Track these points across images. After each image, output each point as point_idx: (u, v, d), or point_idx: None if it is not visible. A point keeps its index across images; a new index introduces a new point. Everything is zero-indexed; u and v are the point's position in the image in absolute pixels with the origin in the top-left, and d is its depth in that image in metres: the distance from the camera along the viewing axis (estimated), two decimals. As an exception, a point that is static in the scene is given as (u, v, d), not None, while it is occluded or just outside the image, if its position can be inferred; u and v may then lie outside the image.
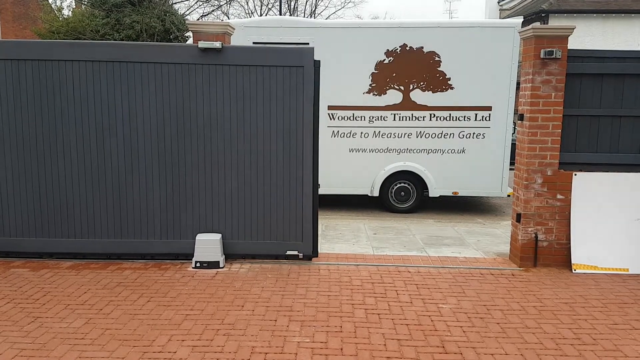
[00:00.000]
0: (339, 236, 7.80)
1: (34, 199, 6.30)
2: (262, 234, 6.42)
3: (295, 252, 6.43)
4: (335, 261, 6.51)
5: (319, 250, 6.74)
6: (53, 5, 23.05)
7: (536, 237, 6.36)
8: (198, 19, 24.97)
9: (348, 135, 9.47)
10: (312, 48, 6.21)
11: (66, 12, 22.96)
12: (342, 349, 4.24)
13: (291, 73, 6.15)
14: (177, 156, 6.26)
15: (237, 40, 8.50)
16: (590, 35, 25.09)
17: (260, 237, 6.42)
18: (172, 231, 6.37)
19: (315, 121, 6.26)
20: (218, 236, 6.24)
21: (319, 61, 6.18)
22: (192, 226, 6.37)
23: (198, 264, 6.13)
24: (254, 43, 8.97)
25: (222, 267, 6.15)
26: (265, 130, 6.24)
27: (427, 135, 9.45)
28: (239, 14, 32.62)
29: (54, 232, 6.35)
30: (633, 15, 25.65)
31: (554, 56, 6.02)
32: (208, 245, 6.16)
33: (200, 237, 6.21)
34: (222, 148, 6.26)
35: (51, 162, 6.25)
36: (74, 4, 24.08)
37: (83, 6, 21.50)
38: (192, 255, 6.26)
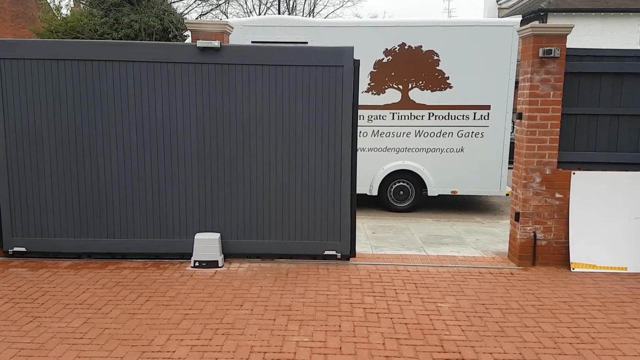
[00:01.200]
0: (338, 235, 7.79)
1: (72, 199, 6.30)
2: (300, 234, 6.41)
3: (334, 252, 6.41)
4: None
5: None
6: (51, 5, 23.01)
7: (535, 236, 6.37)
8: (196, 18, 24.94)
9: (347, 134, 9.45)
10: (352, 47, 6.17)
11: (64, 12, 22.94)
12: (340, 348, 4.24)
13: (330, 72, 6.14)
14: (215, 156, 6.26)
15: (236, 39, 8.49)
16: (589, 34, 25.13)
17: (298, 237, 6.41)
18: (210, 230, 6.36)
19: (354, 120, 6.23)
20: (217, 235, 6.24)
21: (359, 60, 6.17)
22: (230, 225, 6.36)
23: (197, 263, 6.12)
24: (252, 42, 8.96)
25: (221, 267, 6.15)
26: (303, 130, 6.24)
27: (425, 134, 9.45)
28: (237, 13, 32.60)
29: (93, 232, 6.36)
30: (631, 13, 25.69)
31: (552, 55, 6.02)
32: (207, 244, 6.15)
33: (199, 236, 6.20)
34: (260, 148, 6.26)
35: (90, 162, 6.25)
36: (72, 3, 24.07)
37: (81, 5, 21.48)
38: (236, 255, 6.35)
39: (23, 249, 6.36)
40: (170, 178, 6.29)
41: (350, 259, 6.51)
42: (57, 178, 6.27)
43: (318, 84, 6.16)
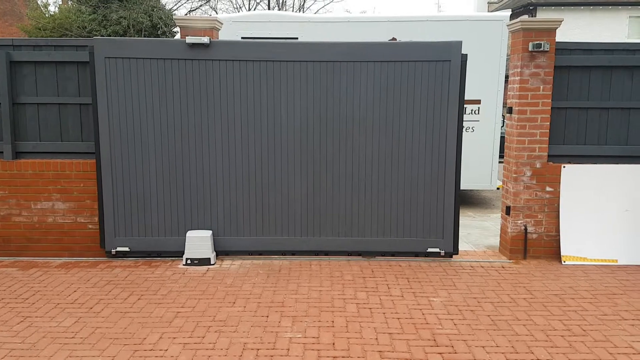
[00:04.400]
0: (330, 231, 7.79)
1: (177, 197, 6.26)
2: (402, 231, 6.35)
3: (437, 250, 6.36)
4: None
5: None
6: (39, 2, 22.79)
7: (525, 229, 6.39)
8: (186, 14, 24.80)
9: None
10: (460, 42, 6.11)
11: (52, 9, 22.75)
12: (334, 344, 4.24)
13: (437, 67, 6.09)
14: (318, 152, 6.23)
15: (225, 35, 8.44)
16: (578, 27, 25.23)
17: (400, 234, 6.36)
18: (311, 228, 6.34)
19: (460, 116, 6.17)
20: (208, 233, 6.21)
21: (466, 55, 6.10)
22: (330, 222, 6.33)
23: (189, 261, 6.10)
24: (242, 38, 8.92)
25: (213, 264, 6.13)
26: (407, 126, 6.19)
27: (417, 129, 9.44)
28: (227, 9, 32.42)
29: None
30: (620, 7, 25.81)
31: (542, 49, 6.03)
32: (198, 242, 6.13)
33: (190, 234, 6.18)
34: (363, 143, 6.22)
35: (196, 159, 6.21)
36: (60, 0, 23.85)
37: (69, 2, 21.30)
38: (335, 253, 6.36)
39: (126, 249, 6.30)
40: (273, 175, 6.26)
41: (453, 256, 6.46)
42: (161, 176, 6.22)
43: (424, 78, 6.11)
